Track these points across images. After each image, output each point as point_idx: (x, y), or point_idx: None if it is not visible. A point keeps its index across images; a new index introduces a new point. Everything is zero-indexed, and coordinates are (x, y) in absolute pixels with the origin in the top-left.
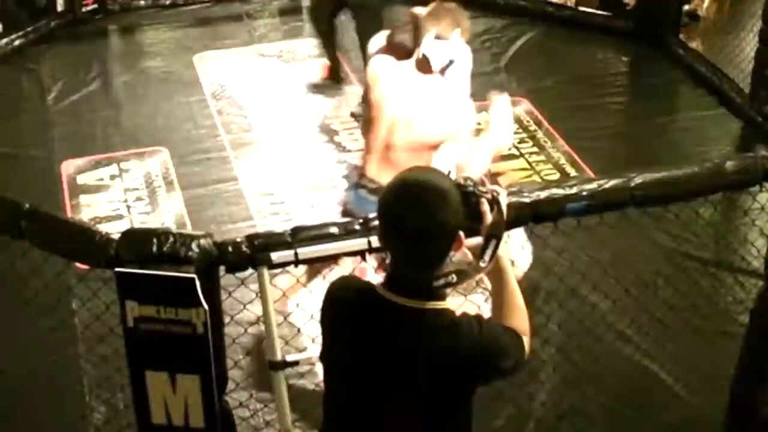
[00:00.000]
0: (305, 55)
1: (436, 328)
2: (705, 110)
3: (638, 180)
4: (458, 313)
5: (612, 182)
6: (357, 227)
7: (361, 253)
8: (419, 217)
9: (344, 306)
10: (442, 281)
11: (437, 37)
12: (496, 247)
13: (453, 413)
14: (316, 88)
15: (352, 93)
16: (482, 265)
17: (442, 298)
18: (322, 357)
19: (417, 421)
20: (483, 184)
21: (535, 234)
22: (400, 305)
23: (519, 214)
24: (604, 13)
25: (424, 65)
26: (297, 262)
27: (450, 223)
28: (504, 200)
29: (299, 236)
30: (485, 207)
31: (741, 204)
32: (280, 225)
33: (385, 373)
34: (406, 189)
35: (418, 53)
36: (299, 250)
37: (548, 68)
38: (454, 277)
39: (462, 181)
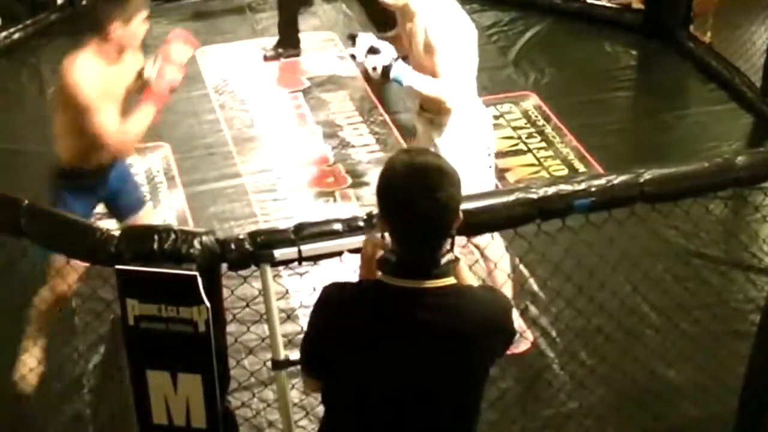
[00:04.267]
0: (308, 48)
1: (448, 304)
2: (715, 105)
3: (647, 176)
4: None
5: (621, 178)
6: (361, 223)
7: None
8: (426, 194)
9: (341, 303)
10: (445, 259)
11: None
12: (451, 250)
13: (472, 399)
14: (320, 83)
15: (357, 87)
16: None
17: (447, 274)
18: (312, 365)
19: (436, 412)
20: None
21: (542, 231)
22: (407, 288)
23: (527, 210)
24: (613, 5)
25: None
26: (300, 259)
27: (454, 202)
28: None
29: (302, 233)
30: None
31: (752, 200)
32: (283, 222)
33: (407, 359)
34: (411, 170)
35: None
36: (302, 247)
37: (556, 62)
38: (453, 255)
39: None
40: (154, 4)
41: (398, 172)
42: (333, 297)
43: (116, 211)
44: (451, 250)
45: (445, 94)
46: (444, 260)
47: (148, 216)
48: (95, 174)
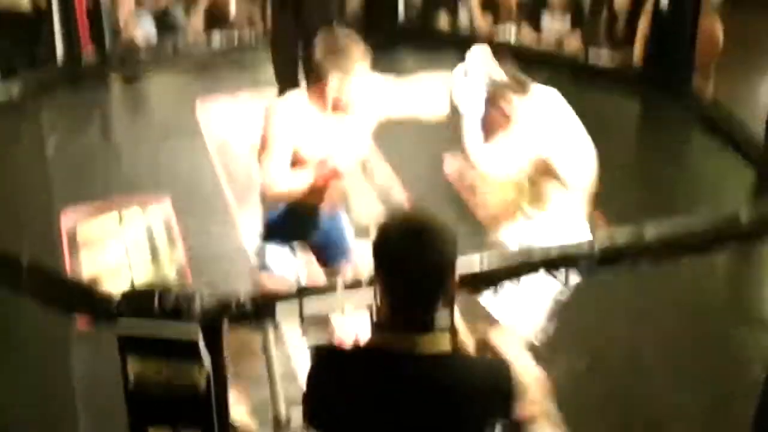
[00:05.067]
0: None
1: (445, 371)
2: (718, 158)
3: (651, 232)
4: None
5: (624, 237)
6: (362, 282)
7: (368, 306)
8: (419, 254)
9: (333, 365)
10: (443, 321)
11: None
12: (451, 314)
13: None
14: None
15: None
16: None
17: (443, 335)
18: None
19: None
20: None
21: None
22: (401, 352)
23: (531, 270)
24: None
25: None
26: (302, 318)
27: (449, 258)
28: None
29: (304, 292)
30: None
31: (757, 254)
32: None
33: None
34: (406, 229)
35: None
36: (304, 306)
37: None
38: (450, 319)
39: None
40: (155, 59)
41: (392, 228)
42: (325, 360)
43: (320, 259)
44: (451, 314)
45: None
46: (439, 322)
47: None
48: (305, 212)
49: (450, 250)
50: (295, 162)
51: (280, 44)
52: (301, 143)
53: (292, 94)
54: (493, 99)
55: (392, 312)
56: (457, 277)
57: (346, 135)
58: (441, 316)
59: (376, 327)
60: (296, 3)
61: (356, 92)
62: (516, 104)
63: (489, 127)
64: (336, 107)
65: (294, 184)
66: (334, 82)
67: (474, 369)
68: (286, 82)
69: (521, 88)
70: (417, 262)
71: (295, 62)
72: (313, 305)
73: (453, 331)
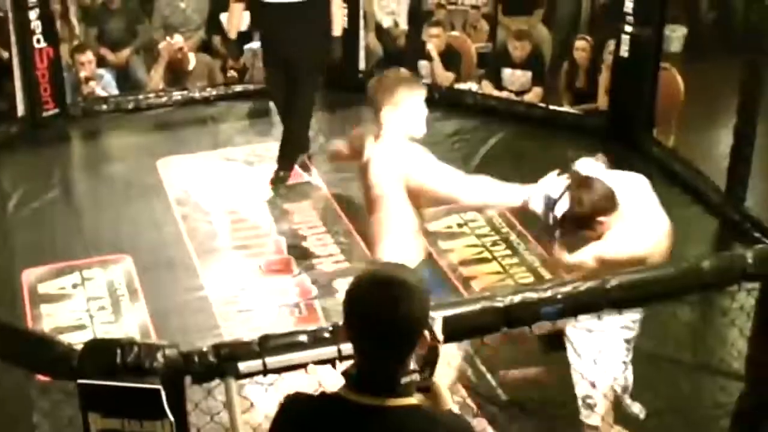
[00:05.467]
0: (272, 157)
1: (409, 427)
2: (680, 208)
3: (614, 282)
4: None
5: (587, 284)
6: (326, 335)
7: (331, 362)
8: (382, 309)
9: (300, 418)
10: (408, 378)
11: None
12: (431, 374)
13: None
14: (283, 193)
15: (320, 197)
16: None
17: (410, 394)
18: None
19: None
20: None
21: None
22: (366, 405)
23: (493, 319)
24: (576, 111)
25: None
26: (265, 371)
27: (413, 318)
28: (438, 327)
29: (267, 345)
30: (427, 337)
31: (720, 304)
32: (248, 333)
33: None
34: (372, 283)
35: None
36: (267, 360)
37: (520, 169)
38: (417, 376)
39: None
40: (115, 115)
41: (362, 284)
42: (293, 411)
43: None
44: (425, 371)
45: None
46: (406, 379)
47: None
48: None
49: (417, 308)
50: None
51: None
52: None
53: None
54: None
55: (359, 366)
56: (429, 337)
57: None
58: (411, 376)
59: (346, 377)
60: (281, 43)
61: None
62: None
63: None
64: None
65: None
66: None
67: (437, 424)
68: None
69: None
70: (382, 318)
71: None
72: (277, 359)
73: (433, 393)
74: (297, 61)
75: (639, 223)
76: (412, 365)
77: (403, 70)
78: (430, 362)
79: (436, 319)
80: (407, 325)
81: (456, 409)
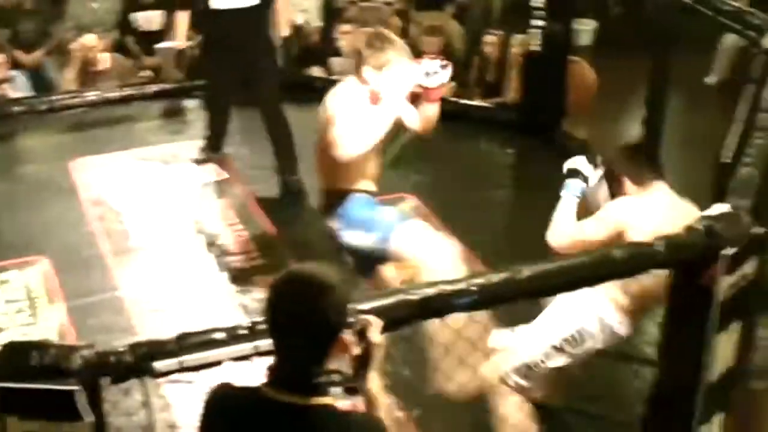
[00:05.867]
0: (186, 157)
1: (321, 426)
2: None
3: (527, 272)
4: None
5: (501, 276)
6: (243, 332)
7: (248, 358)
8: (296, 307)
9: (223, 412)
10: (325, 378)
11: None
12: (364, 377)
13: None
14: (199, 191)
15: (237, 194)
16: (356, 390)
17: (326, 394)
18: None
19: None
20: (355, 314)
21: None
22: (283, 402)
23: (409, 312)
24: (487, 105)
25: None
26: (182, 369)
27: (328, 317)
28: (376, 331)
29: (184, 343)
30: (350, 338)
31: None
32: (165, 332)
33: None
34: (290, 281)
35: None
36: (184, 358)
37: (434, 163)
38: (336, 377)
39: None
40: (29, 116)
41: (282, 281)
42: (216, 402)
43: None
44: (359, 373)
45: None
46: (323, 378)
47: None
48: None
49: (332, 308)
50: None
51: (214, 90)
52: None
53: (345, 83)
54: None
55: (277, 365)
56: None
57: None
58: (330, 376)
59: (268, 373)
60: (238, 47)
61: (391, 88)
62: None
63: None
64: (374, 100)
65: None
66: (370, 75)
67: (349, 424)
68: (216, 129)
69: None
70: (295, 316)
71: (228, 109)
72: (194, 357)
73: (366, 397)
74: (258, 68)
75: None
76: (345, 367)
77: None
78: (363, 365)
79: (374, 322)
80: (323, 325)
81: (388, 414)
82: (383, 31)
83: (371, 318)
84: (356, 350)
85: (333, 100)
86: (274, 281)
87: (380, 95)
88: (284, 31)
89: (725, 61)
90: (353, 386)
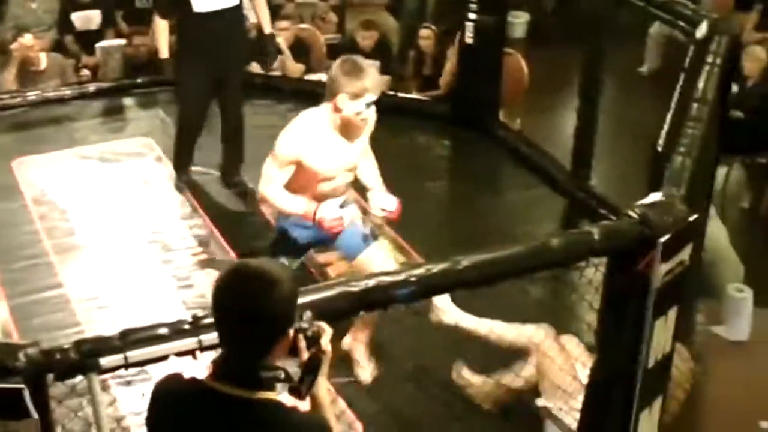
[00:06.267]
0: (127, 154)
1: (264, 420)
2: (529, 189)
3: (465, 263)
4: None
5: (439, 266)
6: (187, 327)
7: (192, 353)
8: (241, 301)
9: (168, 403)
10: (270, 374)
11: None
12: (311, 384)
13: None
14: (140, 188)
15: (175, 191)
16: (302, 394)
17: (271, 389)
18: None
19: None
20: (309, 320)
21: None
22: (227, 395)
23: (349, 304)
24: (423, 98)
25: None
26: (127, 365)
27: (273, 312)
28: (327, 339)
29: (128, 339)
30: (302, 344)
31: (569, 280)
32: (109, 329)
33: None
34: (236, 273)
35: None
36: (129, 354)
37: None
38: (282, 374)
39: None
40: None
41: (228, 274)
42: (162, 394)
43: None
44: (306, 378)
45: None
46: (268, 373)
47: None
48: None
49: (278, 303)
50: (299, 172)
51: (188, 95)
52: (310, 155)
53: (314, 109)
54: None
55: (222, 357)
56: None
57: (349, 156)
58: (266, 373)
59: (213, 366)
60: (219, 48)
61: (365, 117)
62: None
63: None
64: (345, 128)
65: (284, 203)
66: (344, 104)
67: (291, 420)
68: (187, 135)
69: None
70: (239, 310)
71: (204, 114)
72: (138, 353)
73: (313, 402)
74: (234, 68)
75: None
76: (295, 368)
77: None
78: (311, 370)
79: (327, 330)
80: (267, 318)
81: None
82: (358, 59)
83: (324, 325)
84: (306, 354)
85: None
86: (222, 274)
87: (353, 121)
88: (267, 28)
89: (655, 50)
90: (298, 388)
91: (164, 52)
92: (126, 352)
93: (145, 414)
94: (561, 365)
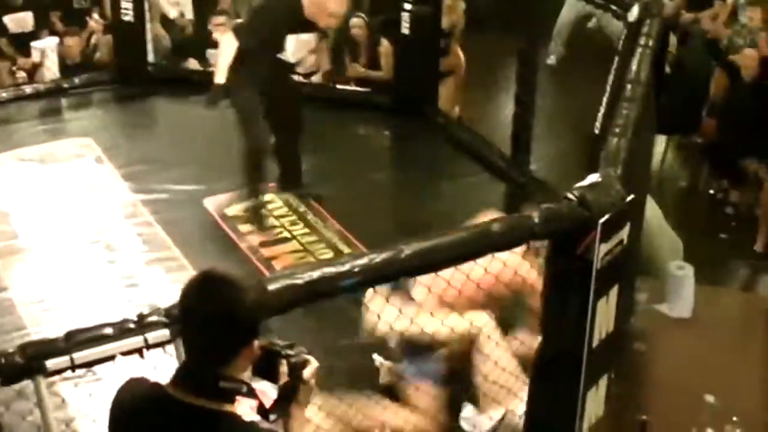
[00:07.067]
0: (67, 156)
1: (215, 430)
2: (470, 176)
3: (408, 251)
4: None
5: (383, 255)
6: (132, 326)
7: (139, 351)
8: (206, 305)
9: (126, 408)
10: (230, 385)
11: None
12: (284, 409)
13: None
14: (81, 189)
15: (116, 190)
16: (270, 417)
17: (230, 401)
18: None
19: None
20: (298, 350)
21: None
22: (184, 403)
23: (295, 296)
24: (361, 89)
25: None
26: (74, 367)
27: (237, 318)
28: (309, 371)
29: (73, 340)
30: (284, 369)
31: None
32: (56, 331)
33: None
34: (203, 279)
35: None
36: (75, 355)
37: (312, 149)
38: (244, 387)
39: (273, 341)
40: None
41: (193, 284)
42: (123, 398)
43: None
44: (280, 404)
45: None
46: (225, 384)
47: None
48: None
49: (240, 310)
50: None
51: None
52: None
53: None
54: None
55: (184, 364)
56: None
57: None
58: (226, 384)
59: (176, 373)
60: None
61: None
62: None
63: None
64: None
65: None
66: None
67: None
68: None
69: None
70: (200, 316)
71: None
72: (84, 354)
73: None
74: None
75: None
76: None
77: None
78: (285, 397)
79: (312, 363)
80: (230, 324)
81: None
82: None
83: (311, 359)
84: (284, 379)
85: None
86: (190, 279)
87: None
88: (220, 78)
89: (559, 39)
90: (266, 411)
91: (222, 77)
92: (72, 353)
93: (94, 415)
94: (504, 351)
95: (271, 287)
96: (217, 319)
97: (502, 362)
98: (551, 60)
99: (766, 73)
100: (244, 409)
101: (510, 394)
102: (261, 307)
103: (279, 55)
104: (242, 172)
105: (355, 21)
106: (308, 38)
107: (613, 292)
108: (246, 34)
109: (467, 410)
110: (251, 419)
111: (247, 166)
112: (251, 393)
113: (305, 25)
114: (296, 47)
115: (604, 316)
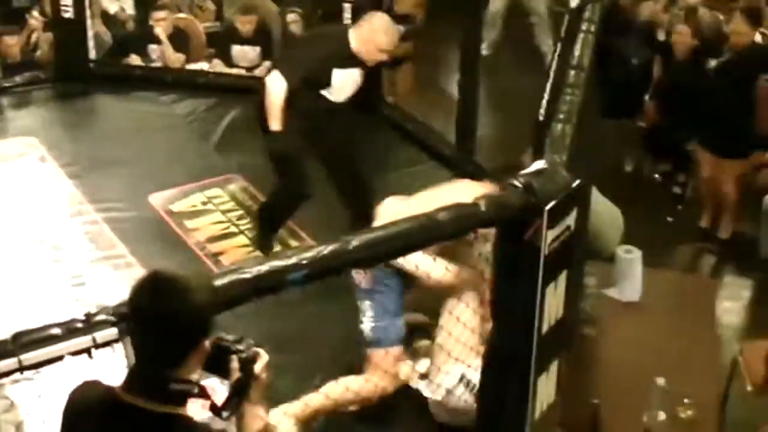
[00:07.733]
0: (10, 155)
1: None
2: (416, 165)
3: (355, 242)
4: None
5: (330, 247)
6: (80, 325)
7: (87, 351)
8: (153, 304)
9: (77, 412)
10: (181, 387)
11: None
12: (237, 405)
13: None
14: (25, 188)
15: (62, 186)
16: (223, 414)
17: (181, 403)
18: None
19: None
20: (248, 344)
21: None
22: (134, 407)
23: (242, 291)
24: None
25: None
26: (22, 368)
27: (186, 318)
28: (260, 365)
29: (20, 341)
30: (234, 364)
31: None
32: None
33: None
34: (151, 278)
35: None
36: (22, 356)
37: (260, 143)
38: (195, 388)
39: (221, 336)
40: None
41: (140, 283)
42: (73, 401)
43: None
44: (230, 401)
45: None
46: (175, 386)
47: None
48: None
49: (186, 311)
50: None
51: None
52: None
53: None
54: None
55: (136, 369)
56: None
57: None
58: (176, 385)
59: (127, 376)
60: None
61: None
62: None
63: None
64: None
65: None
66: None
67: None
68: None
69: None
70: (147, 316)
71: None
72: (33, 355)
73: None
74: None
75: None
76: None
77: None
78: (237, 393)
79: (263, 356)
80: (179, 324)
81: None
82: None
83: (262, 352)
84: (236, 375)
85: None
86: (139, 279)
87: None
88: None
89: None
90: (218, 408)
91: (279, 125)
92: (19, 355)
93: (43, 417)
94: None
95: (219, 283)
96: (166, 322)
97: (464, 317)
98: (485, 50)
99: (698, 49)
100: (196, 408)
101: (471, 351)
102: (211, 307)
103: (323, 92)
104: (261, 218)
105: (290, 16)
106: (354, 73)
107: (562, 278)
108: (293, 70)
109: (422, 365)
110: (203, 420)
111: (272, 213)
112: (203, 393)
113: (352, 60)
114: (342, 83)
115: (554, 302)
